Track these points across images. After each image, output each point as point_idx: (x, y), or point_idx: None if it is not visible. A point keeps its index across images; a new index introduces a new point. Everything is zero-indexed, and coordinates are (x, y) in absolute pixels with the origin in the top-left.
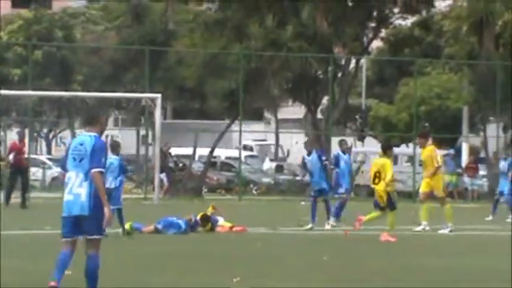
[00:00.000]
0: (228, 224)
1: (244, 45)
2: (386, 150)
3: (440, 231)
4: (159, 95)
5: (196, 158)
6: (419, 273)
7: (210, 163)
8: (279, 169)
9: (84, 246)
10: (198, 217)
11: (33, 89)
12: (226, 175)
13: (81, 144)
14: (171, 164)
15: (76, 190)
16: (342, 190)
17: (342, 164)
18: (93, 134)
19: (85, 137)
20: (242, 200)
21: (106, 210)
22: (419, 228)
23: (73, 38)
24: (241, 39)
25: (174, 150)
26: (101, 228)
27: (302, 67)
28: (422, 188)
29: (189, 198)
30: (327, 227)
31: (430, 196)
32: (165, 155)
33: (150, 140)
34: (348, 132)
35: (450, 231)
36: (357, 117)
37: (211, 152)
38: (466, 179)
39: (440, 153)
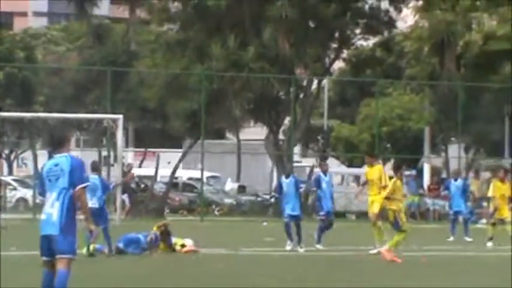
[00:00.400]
0: (180, 242)
1: (206, 66)
2: (396, 170)
3: (372, 251)
4: (120, 116)
5: (158, 178)
6: None
7: (172, 184)
8: (241, 190)
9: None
10: (157, 232)
11: None
12: (188, 196)
13: (56, 165)
14: (133, 185)
15: (48, 210)
16: (322, 212)
17: (324, 185)
18: (66, 154)
19: (59, 158)
20: (204, 221)
21: (90, 226)
22: (374, 251)
23: (34, 59)
24: (202, 59)
25: (136, 171)
26: (72, 248)
27: (264, 88)
28: (373, 210)
29: (151, 219)
30: (300, 250)
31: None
32: (127, 175)
33: (112, 160)
34: (309, 153)
35: (378, 252)
36: (319, 137)
37: (173, 172)
38: (428, 200)
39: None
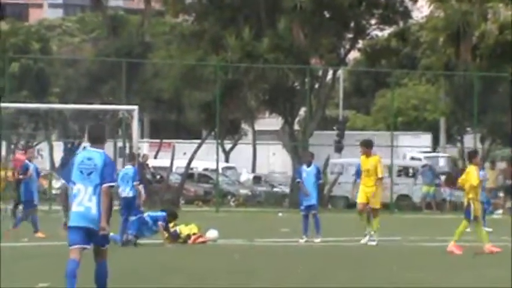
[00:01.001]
0: (186, 232)
1: (221, 57)
2: (472, 157)
3: (365, 242)
4: (136, 107)
5: (174, 169)
6: None
7: (188, 175)
8: (257, 181)
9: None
10: (164, 213)
11: (10, 101)
12: (204, 187)
13: (90, 159)
14: (149, 176)
15: (86, 203)
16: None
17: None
18: (100, 150)
19: (93, 152)
20: (219, 212)
21: (104, 222)
22: (363, 241)
23: (49, 50)
24: (217, 51)
25: (152, 162)
26: (108, 239)
27: (279, 78)
28: (360, 199)
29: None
30: (316, 241)
31: (367, 207)
32: (142, 166)
33: (127, 152)
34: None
35: (373, 240)
36: (334, 128)
37: (189, 163)
38: (444, 190)
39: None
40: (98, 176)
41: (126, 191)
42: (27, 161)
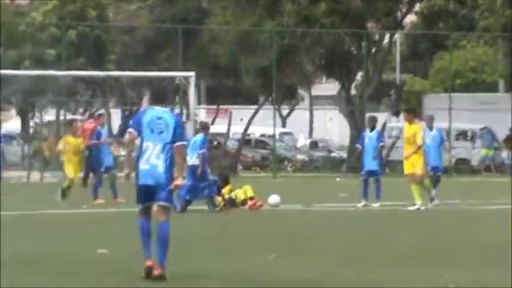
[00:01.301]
0: (242, 196)
1: (277, 22)
2: None
3: (409, 208)
4: (192, 74)
5: (231, 135)
6: (477, 250)
7: (245, 141)
8: (314, 146)
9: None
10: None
11: (67, 69)
12: (261, 152)
13: (160, 119)
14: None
15: (153, 161)
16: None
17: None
18: (168, 110)
19: (162, 112)
20: (277, 177)
21: (180, 180)
22: (413, 208)
23: (106, 18)
24: (273, 16)
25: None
26: (172, 199)
27: (335, 43)
28: (407, 170)
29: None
30: (375, 205)
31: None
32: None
33: (184, 118)
34: (382, 107)
35: (418, 209)
36: (391, 92)
37: (246, 129)
38: (504, 153)
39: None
40: (168, 135)
41: (193, 159)
42: (99, 128)
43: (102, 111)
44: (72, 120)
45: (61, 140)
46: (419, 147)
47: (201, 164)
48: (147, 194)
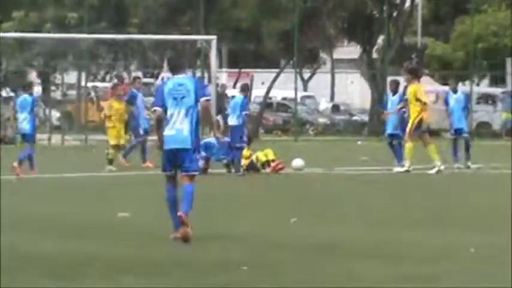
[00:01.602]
0: (264, 158)
1: None
2: None
3: (428, 172)
4: (214, 37)
5: (252, 99)
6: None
7: (266, 104)
8: (335, 109)
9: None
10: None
11: (89, 32)
12: (283, 116)
13: (181, 85)
14: (227, 105)
15: (178, 126)
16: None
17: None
18: (186, 75)
19: (182, 79)
20: (298, 141)
21: (218, 134)
22: (432, 171)
23: None
24: None
25: (230, 92)
26: (197, 165)
27: (357, 7)
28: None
29: None
30: (396, 169)
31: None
32: (221, 96)
33: (206, 82)
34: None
35: (438, 170)
36: (413, 56)
37: (267, 93)
38: None
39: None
40: (190, 99)
41: (233, 119)
42: (134, 90)
43: (137, 74)
44: (117, 84)
45: (105, 104)
46: (424, 105)
47: (244, 125)
48: (172, 161)
